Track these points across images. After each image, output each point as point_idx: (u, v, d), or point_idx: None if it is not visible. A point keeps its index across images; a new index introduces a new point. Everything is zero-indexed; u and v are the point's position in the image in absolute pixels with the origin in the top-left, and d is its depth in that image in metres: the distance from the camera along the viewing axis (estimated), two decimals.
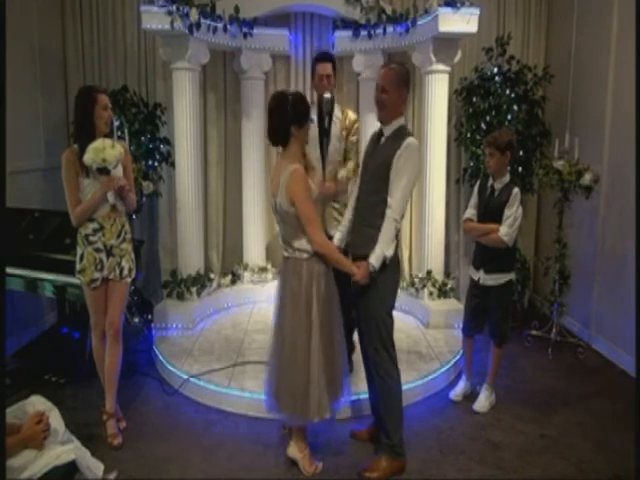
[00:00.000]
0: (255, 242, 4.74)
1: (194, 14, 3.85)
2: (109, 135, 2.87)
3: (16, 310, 3.84)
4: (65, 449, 2.04)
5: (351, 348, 3.52)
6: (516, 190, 3.03)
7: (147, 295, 4.75)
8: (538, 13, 4.84)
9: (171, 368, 3.51)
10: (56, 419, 2.14)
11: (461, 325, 3.48)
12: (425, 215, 4.26)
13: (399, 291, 2.72)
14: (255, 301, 4.64)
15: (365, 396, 3.06)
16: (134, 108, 4.26)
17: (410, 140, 2.47)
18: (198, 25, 3.91)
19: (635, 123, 3.43)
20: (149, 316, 4.29)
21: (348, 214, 2.76)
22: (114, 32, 4.62)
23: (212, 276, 4.54)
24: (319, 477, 2.61)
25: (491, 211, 3.07)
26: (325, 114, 3.16)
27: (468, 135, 4.43)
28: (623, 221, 3.79)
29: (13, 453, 1.92)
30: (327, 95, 3.12)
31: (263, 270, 4.71)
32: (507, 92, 4.27)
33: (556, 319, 4.14)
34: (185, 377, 3.38)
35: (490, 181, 3.14)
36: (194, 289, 4.26)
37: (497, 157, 3.01)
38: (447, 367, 3.55)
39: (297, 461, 2.66)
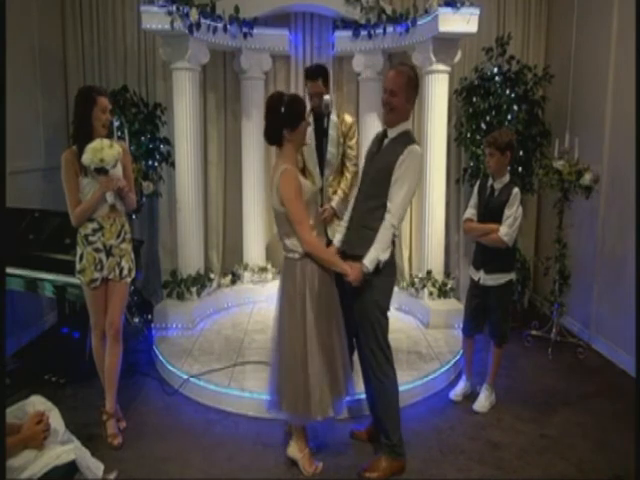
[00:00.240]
0: (255, 242, 4.74)
1: (194, 14, 3.85)
2: (108, 136, 2.87)
3: (16, 310, 3.84)
4: (65, 449, 2.04)
5: (351, 348, 3.53)
6: (516, 190, 3.03)
7: (147, 295, 4.75)
8: (538, 13, 4.84)
9: (171, 368, 3.51)
10: (56, 419, 2.14)
11: (461, 325, 3.48)
12: (425, 215, 4.26)
13: (398, 291, 2.73)
14: (255, 301, 4.64)
15: (364, 396, 3.06)
16: (134, 108, 4.26)
17: (414, 147, 2.46)
18: (198, 25, 3.91)
19: (635, 123, 3.43)
20: (149, 316, 4.29)
21: (347, 215, 2.77)
22: (114, 32, 4.62)
23: (212, 276, 4.54)
24: (319, 477, 2.62)
25: (491, 211, 3.07)
26: (324, 115, 3.16)
27: (468, 135, 4.43)
28: (623, 221, 3.79)
29: (13, 453, 1.92)
30: (327, 97, 3.11)
31: (263, 270, 4.71)
32: (507, 92, 4.27)
33: (556, 319, 4.14)
34: (185, 377, 3.38)
35: (490, 181, 3.14)
36: (194, 289, 4.26)
37: (497, 157, 3.01)
38: (447, 367, 3.55)
39: (297, 461, 2.66)
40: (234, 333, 4.04)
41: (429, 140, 4.15)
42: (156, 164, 4.35)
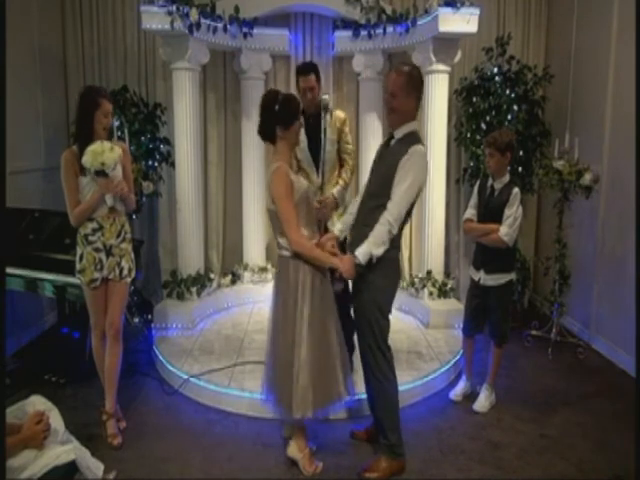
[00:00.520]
0: (255, 242, 4.74)
1: (194, 14, 3.85)
2: (109, 137, 2.87)
3: (16, 310, 3.84)
4: (65, 449, 2.04)
5: (351, 348, 3.52)
6: (516, 190, 3.03)
7: (147, 295, 4.75)
8: (538, 13, 4.84)
9: (171, 368, 3.51)
10: (56, 419, 2.14)
11: (461, 325, 3.48)
12: (425, 215, 4.26)
13: (399, 291, 2.72)
14: (255, 301, 4.64)
15: (364, 396, 3.06)
16: (134, 108, 4.26)
17: (418, 147, 2.44)
18: (198, 25, 3.91)
19: (635, 123, 3.43)
20: (149, 316, 4.29)
21: (352, 208, 2.77)
22: (114, 32, 4.62)
23: (212, 276, 4.54)
24: (319, 477, 2.61)
25: (491, 211, 3.07)
26: (324, 114, 3.16)
27: (468, 135, 4.43)
28: (623, 221, 3.79)
29: (13, 453, 1.92)
30: (325, 96, 3.11)
31: (263, 270, 4.71)
32: (507, 92, 4.27)
33: (556, 319, 4.14)
34: (185, 377, 3.38)
35: (490, 181, 3.14)
36: (194, 289, 4.26)
37: (497, 158, 3.01)
38: (447, 367, 3.55)
39: (297, 461, 2.65)
40: (234, 333, 4.04)
41: (429, 140, 4.14)
42: (156, 164, 4.35)
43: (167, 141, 4.36)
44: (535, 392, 3.47)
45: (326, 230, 3.04)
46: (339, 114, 3.43)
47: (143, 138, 4.23)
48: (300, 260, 2.49)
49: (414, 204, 2.55)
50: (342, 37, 4.47)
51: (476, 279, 3.19)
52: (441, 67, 4.04)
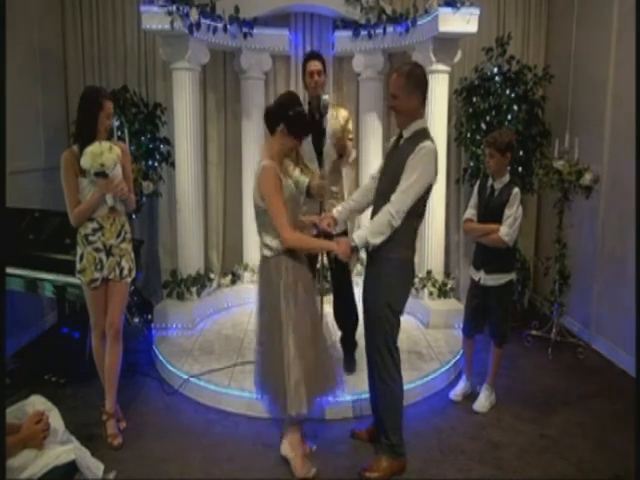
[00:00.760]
0: (255, 242, 4.68)
1: (194, 14, 3.85)
2: (108, 137, 2.87)
3: (16, 310, 3.84)
4: (65, 449, 2.04)
5: (353, 346, 3.53)
6: (516, 190, 3.03)
7: (147, 295, 4.74)
8: (538, 13, 4.84)
9: (171, 368, 3.51)
10: (56, 419, 2.14)
11: (461, 325, 3.48)
12: (425, 215, 4.25)
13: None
14: (255, 301, 4.62)
15: (365, 396, 3.06)
16: (134, 108, 4.26)
17: (425, 143, 2.43)
18: (198, 25, 3.91)
19: (635, 123, 3.43)
20: (149, 316, 4.29)
21: (355, 195, 2.78)
22: (114, 32, 4.62)
23: (212, 276, 4.54)
24: (319, 477, 2.61)
25: (491, 211, 3.07)
26: (323, 115, 3.15)
27: (468, 135, 4.43)
28: (623, 221, 3.79)
29: (12, 453, 1.92)
30: (325, 96, 3.11)
31: None
32: (507, 92, 4.27)
33: (556, 319, 4.14)
34: (185, 377, 3.38)
35: (490, 181, 3.14)
36: (194, 289, 4.26)
37: (497, 158, 3.01)
38: (447, 367, 3.55)
39: (289, 460, 2.62)
40: (234, 333, 4.04)
41: None
42: (156, 164, 4.35)
43: (167, 141, 4.36)
44: (535, 392, 3.47)
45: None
46: (343, 112, 3.44)
47: (143, 138, 4.23)
48: (282, 259, 2.49)
49: (426, 202, 2.55)
50: (342, 37, 4.47)
51: (476, 279, 3.19)
52: (441, 67, 4.03)
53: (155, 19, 3.78)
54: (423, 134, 2.50)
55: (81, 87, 3.00)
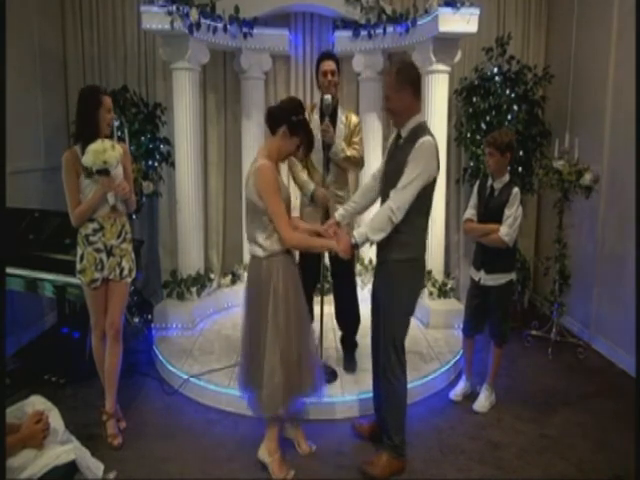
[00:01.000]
0: None
1: (194, 14, 3.85)
2: (109, 136, 2.87)
3: (16, 310, 3.84)
4: (65, 449, 2.04)
5: (354, 346, 3.53)
6: (516, 190, 3.03)
7: (147, 295, 4.74)
8: (538, 13, 4.84)
9: (171, 368, 3.51)
10: (56, 419, 2.14)
11: (461, 325, 3.48)
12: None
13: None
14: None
15: (365, 396, 3.07)
16: (134, 108, 4.26)
17: (424, 139, 2.41)
18: (198, 25, 3.91)
19: (635, 123, 3.43)
20: (149, 316, 4.29)
21: (356, 197, 2.77)
22: (114, 32, 4.62)
23: (212, 276, 4.54)
24: (319, 477, 2.61)
25: (491, 211, 3.07)
26: (326, 115, 3.15)
27: (468, 135, 4.43)
28: (623, 221, 3.79)
29: (12, 453, 1.92)
30: (327, 96, 3.10)
31: None
32: (507, 92, 4.28)
33: (556, 319, 4.14)
34: (185, 377, 3.38)
35: (490, 181, 3.14)
36: (194, 289, 4.26)
37: (497, 158, 3.01)
38: (447, 367, 3.55)
39: (266, 465, 2.60)
40: (234, 333, 4.03)
41: None
42: (156, 164, 4.35)
43: (167, 141, 4.36)
44: (535, 392, 3.47)
45: (328, 217, 3.04)
46: (354, 118, 3.43)
47: (143, 138, 4.23)
48: (273, 261, 2.47)
49: (431, 198, 2.53)
50: (342, 37, 4.47)
51: (476, 279, 3.19)
52: (441, 67, 4.03)
53: (155, 19, 3.78)
54: (421, 130, 2.47)
55: (81, 87, 2.99)
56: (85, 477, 2.11)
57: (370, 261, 4.64)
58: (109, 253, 2.81)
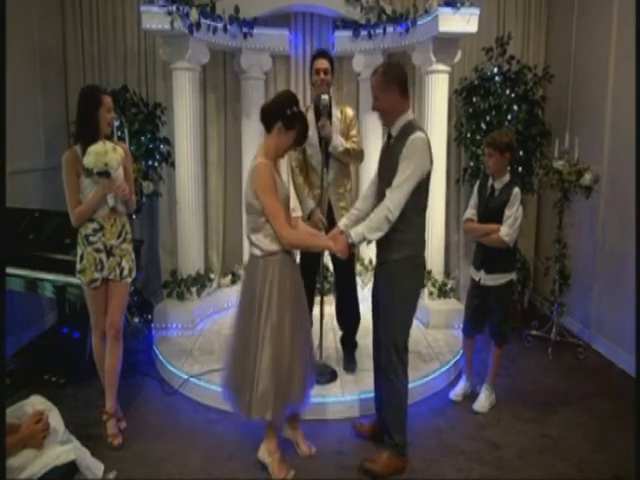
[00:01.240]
0: None
1: (194, 14, 3.85)
2: (110, 136, 2.87)
3: (16, 310, 3.84)
4: (65, 449, 2.04)
5: (354, 346, 3.53)
6: (516, 190, 3.03)
7: (147, 295, 4.74)
8: (538, 13, 4.84)
9: (171, 368, 3.51)
10: (56, 419, 2.13)
11: (461, 325, 3.48)
12: (425, 215, 4.25)
13: None
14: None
15: (365, 396, 3.07)
16: (134, 108, 4.26)
17: (415, 135, 2.41)
18: (198, 25, 3.91)
19: (635, 123, 3.43)
20: (149, 316, 4.29)
21: (359, 204, 2.77)
22: (114, 32, 4.62)
23: (212, 276, 4.54)
24: (318, 477, 2.61)
25: (491, 211, 3.07)
26: (323, 114, 3.14)
27: (468, 135, 4.43)
28: (623, 221, 3.79)
29: (12, 452, 1.92)
30: (324, 96, 3.10)
31: None
32: (507, 92, 4.27)
33: (556, 319, 4.14)
34: (185, 377, 3.38)
35: (490, 181, 3.14)
36: (194, 289, 4.26)
37: (496, 158, 3.01)
38: (447, 367, 3.55)
39: (266, 465, 2.59)
40: None
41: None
42: (156, 164, 4.35)
43: (167, 141, 4.36)
44: (535, 392, 3.47)
45: (333, 225, 3.03)
46: (349, 111, 3.42)
47: (143, 138, 4.23)
48: (270, 261, 2.45)
49: (427, 193, 2.53)
50: (342, 37, 4.47)
51: (476, 279, 3.19)
52: (441, 67, 4.03)
53: (155, 19, 3.78)
54: (411, 127, 2.48)
55: (81, 87, 2.99)
56: (85, 477, 2.11)
57: (370, 261, 4.64)
58: (109, 253, 2.81)
